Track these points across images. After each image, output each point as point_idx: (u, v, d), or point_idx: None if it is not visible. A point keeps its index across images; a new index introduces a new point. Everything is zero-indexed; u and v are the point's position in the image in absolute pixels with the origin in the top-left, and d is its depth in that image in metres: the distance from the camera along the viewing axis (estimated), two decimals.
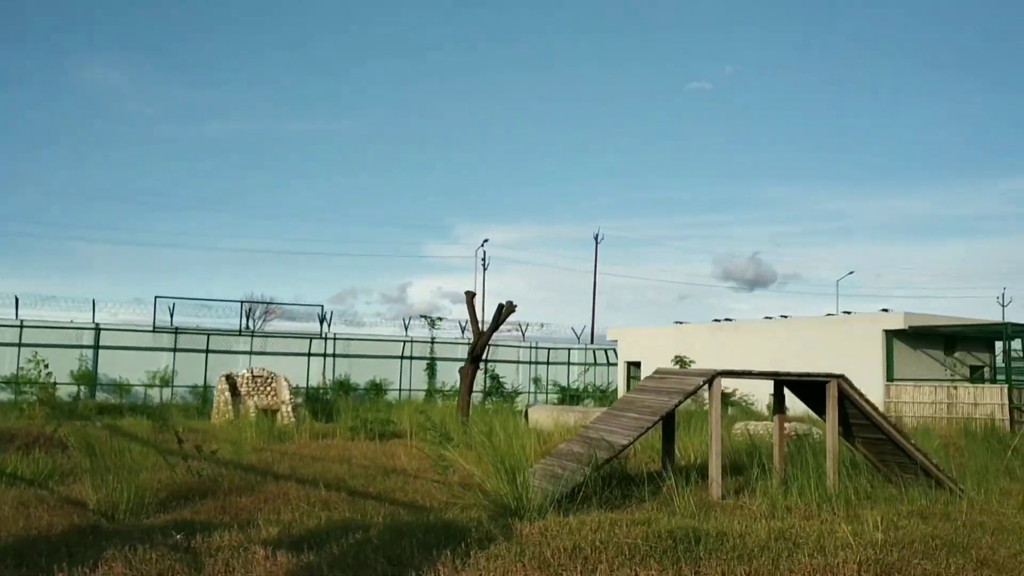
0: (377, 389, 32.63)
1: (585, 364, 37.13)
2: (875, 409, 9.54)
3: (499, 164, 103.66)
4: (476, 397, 33.66)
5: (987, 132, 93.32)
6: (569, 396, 33.83)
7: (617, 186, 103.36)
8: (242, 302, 33.93)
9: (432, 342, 37.64)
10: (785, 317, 27.80)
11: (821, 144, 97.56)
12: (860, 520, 7.00)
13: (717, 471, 8.72)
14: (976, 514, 7.53)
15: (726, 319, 29.65)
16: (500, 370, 34.41)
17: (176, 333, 27.84)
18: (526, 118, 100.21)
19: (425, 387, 33.50)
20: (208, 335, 28.47)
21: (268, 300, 54.22)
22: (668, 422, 9.76)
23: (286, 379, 20.48)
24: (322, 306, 34.72)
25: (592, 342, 42.28)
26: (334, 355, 33.03)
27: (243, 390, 19.75)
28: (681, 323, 31.76)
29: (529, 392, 35.84)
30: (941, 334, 23.21)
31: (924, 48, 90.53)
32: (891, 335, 22.64)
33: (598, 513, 7.15)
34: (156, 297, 29.99)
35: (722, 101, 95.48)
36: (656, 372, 9.94)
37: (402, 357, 33.46)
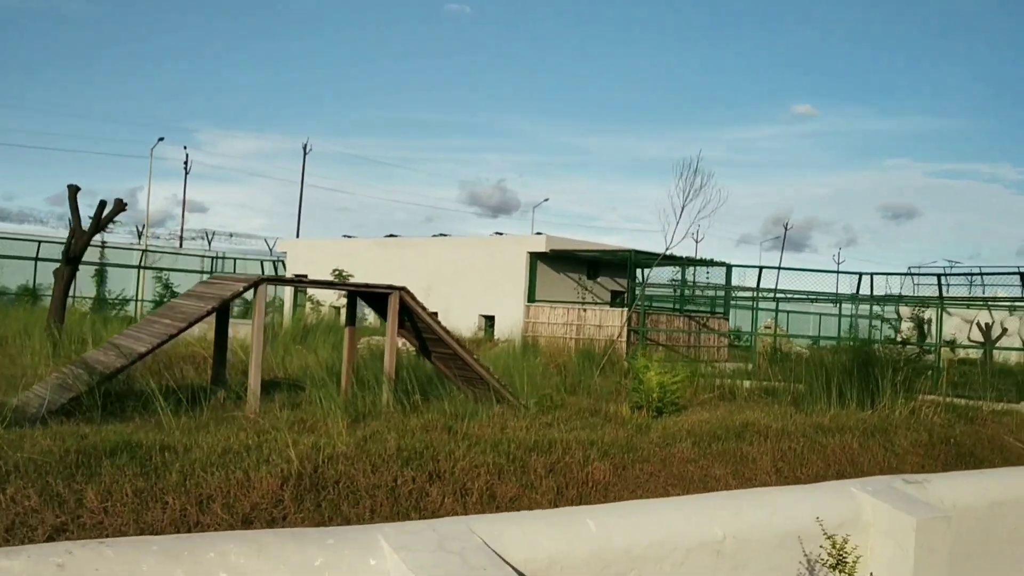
0: (32, 295, 29.84)
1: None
2: (439, 324, 9.48)
3: (251, 74, 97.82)
4: (147, 306, 31.63)
5: (719, 85, 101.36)
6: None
7: (371, 104, 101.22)
8: None
9: (103, 247, 34.88)
10: (445, 235, 28.08)
11: (566, 81, 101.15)
12: (359, 433, 6.77)
13: (256, 383, 8.22)
14: (484, 428, 7.52)
15: (391, 235, 29.50)
16: (179, 279, 32.83)
17: None
18: (284, 30, 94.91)
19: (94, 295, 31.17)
20: None
21: None
22: (221, 331, 9.14)
23: None
24: None
25: None
26: None
27: None
28: (349, 236, 31.23)
29: None
30: (582, 259, 24.41)
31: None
32: (535, 257, 23.36)
33: (84, 427, 6.38)
34: None
35: (480, 25, 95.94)
36: (212, 277, 9.26)
37: (38, 259, 30.42)
